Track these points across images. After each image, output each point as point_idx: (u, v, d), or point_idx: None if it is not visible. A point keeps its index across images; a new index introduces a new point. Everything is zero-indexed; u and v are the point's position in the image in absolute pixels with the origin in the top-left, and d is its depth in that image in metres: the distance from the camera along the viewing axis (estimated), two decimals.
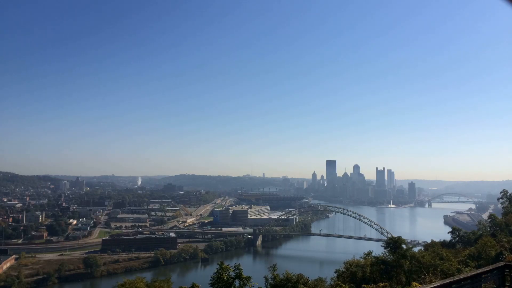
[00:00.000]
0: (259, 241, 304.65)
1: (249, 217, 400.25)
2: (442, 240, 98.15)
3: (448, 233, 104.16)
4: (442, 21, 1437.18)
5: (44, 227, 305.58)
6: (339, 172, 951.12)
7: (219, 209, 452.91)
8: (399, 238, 57.38)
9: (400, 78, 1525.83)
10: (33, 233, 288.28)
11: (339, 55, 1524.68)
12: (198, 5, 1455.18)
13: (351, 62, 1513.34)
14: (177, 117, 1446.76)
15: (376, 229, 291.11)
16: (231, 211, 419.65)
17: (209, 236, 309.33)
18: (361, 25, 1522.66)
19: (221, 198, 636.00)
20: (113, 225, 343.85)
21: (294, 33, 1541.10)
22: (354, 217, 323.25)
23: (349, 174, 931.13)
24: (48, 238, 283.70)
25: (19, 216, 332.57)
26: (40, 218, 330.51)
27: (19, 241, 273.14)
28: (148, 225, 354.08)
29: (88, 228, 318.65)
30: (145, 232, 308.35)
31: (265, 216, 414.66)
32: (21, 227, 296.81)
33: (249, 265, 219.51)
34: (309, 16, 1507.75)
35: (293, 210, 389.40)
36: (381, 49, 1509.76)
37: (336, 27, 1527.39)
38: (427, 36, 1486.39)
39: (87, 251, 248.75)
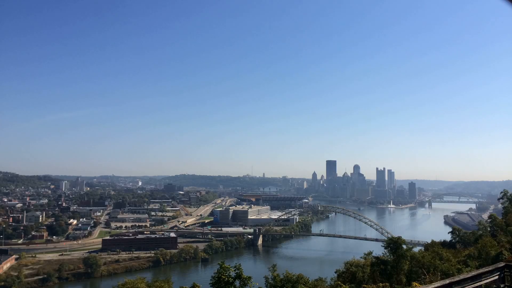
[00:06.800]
0: (259, 241, 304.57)
1: (249, 217, 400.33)
2: (442, 240, 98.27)
3: (448, 233, 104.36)
4: (443, 21, 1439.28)
5: (44, 227, 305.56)
6: (339, 172, 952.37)
7: (219, 209, 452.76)
8: (399, 238, 57.44)
9: (401, 78, 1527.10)
10: (33, 233, 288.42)
11: (339, 54, 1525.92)
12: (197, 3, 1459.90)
13: (351, 61, 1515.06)
14: (177, 118, 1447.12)
15: (376, 229, 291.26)
16: (231, 211, 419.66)
17: (210, 236, 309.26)
18: (361, 24, 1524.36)
19: (221, 198, 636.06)
20: (113, 225, 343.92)
21: (293, 32, 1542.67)
22: (354, 217, 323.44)
23: (349, 174, 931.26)
24: (48, 238, 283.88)
25: (19, 216, 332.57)
26: (40, 218, 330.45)
27: (20, 241, 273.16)
28: (148, 225, 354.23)
29: (88, 228, 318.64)
30: (145, 232, 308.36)
31: (265, 216, 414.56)
32: (21, 227, 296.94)
33: (249, 265, 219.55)
34: (307, 15, 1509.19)
35: (293, 210, 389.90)
36: (381, 48, 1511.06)
37: (335, 26, 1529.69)
38: (434, 43, 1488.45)
39: (87, 251, 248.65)
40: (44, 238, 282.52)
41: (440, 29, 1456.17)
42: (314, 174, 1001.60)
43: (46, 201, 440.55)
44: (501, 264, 16.15)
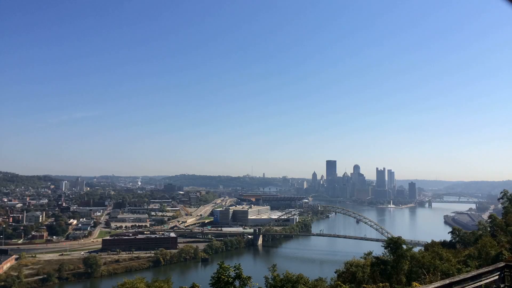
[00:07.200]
0: (259, 241, 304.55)
1: (249, 217, 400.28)
2: (442, 240, 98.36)
3: (448, 233, 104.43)
4: (446, 20, 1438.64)
5: (44, 227, 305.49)
6: (339, 172, 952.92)
7: (219, 209, 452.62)
8: (399, 238, 57.44)
9: (401, 79, 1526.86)
10: (33, 233, 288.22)
11: (339, 55, 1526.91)
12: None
13: (351, 63, 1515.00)
14: (178, 118, 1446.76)
15: (376, 229, 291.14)
16: (231, 211, 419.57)
17: (210, 236, 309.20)
18: (362, 24, 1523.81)
19: (221, 198, 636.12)
20: (113, 225, 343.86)
21: (295, 34, 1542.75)
22: (354, 217, 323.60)
23: (349, 174, 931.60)
24: (48, 238, 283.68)
25: (19, 216, 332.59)
26: (40, 218, 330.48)
27: (20, 241, 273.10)
28: (148, 225, 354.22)
29: (88, 228, 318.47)
30: (145, 232, 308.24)
31: (265, 216, 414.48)
32: (21, 227, 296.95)
33: (249, 265, 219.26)
34: (308, 18, 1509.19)
35: (293, 210, 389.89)
36: (381, 50, 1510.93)
37: (335, 26, 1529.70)
38: (430, 38, 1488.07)
39: (87, 251, 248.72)
40: (44, 238, 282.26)
41: (444, 28, 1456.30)
42: (314, 174, 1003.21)
43: (46, 201, 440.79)
44: (501, 264, 16.12)
